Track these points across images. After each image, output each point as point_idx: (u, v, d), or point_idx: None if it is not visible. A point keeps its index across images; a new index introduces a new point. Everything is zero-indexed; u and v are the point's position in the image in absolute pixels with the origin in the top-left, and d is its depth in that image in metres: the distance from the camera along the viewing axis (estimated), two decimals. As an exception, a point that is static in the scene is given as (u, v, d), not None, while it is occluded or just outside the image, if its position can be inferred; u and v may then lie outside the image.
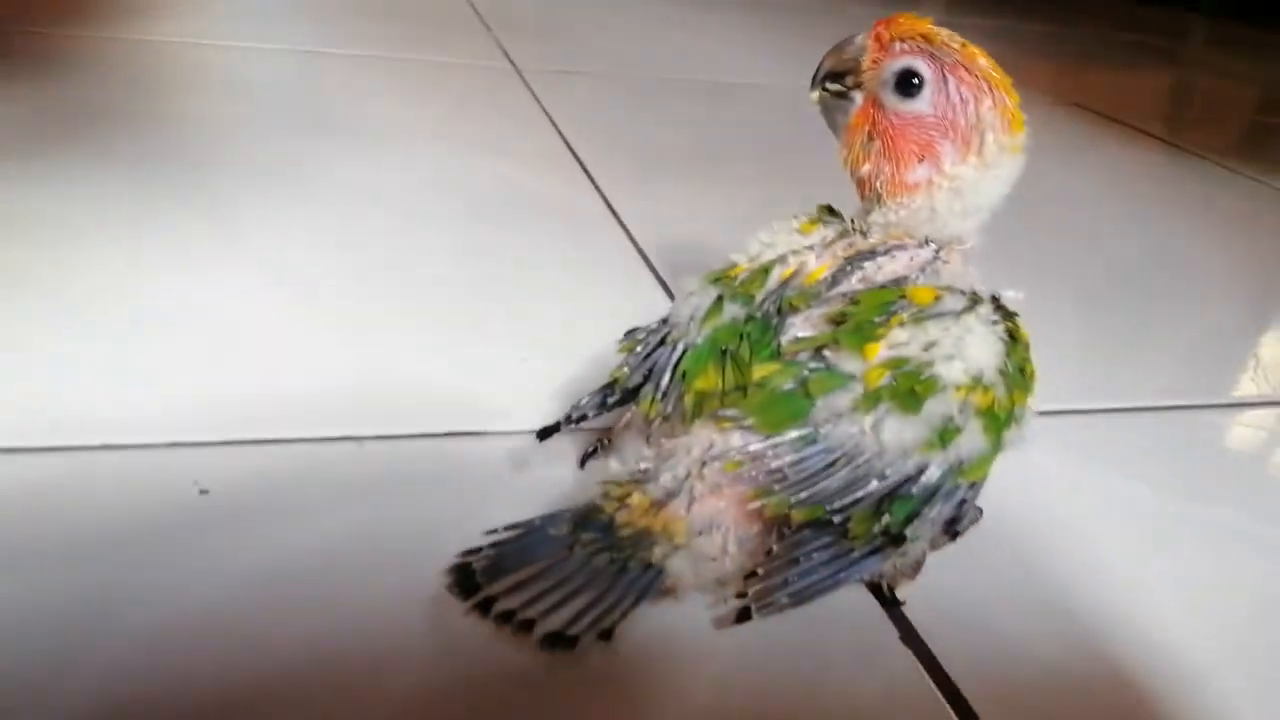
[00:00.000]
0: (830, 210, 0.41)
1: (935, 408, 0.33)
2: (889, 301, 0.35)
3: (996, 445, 0.35)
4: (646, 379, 0.37)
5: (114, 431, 0.42)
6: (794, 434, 0.33)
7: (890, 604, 0.39)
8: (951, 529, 0.37)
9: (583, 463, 0.41)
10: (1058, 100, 1.37)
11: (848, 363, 0.34)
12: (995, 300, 0.37)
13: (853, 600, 0.39)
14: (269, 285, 0.56)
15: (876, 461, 0.33)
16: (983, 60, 0.37)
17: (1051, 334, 0.65)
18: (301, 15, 1.16)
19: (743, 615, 0.34)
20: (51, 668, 0.31)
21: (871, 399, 0.33)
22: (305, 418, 0.45)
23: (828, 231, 0.39)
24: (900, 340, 0.34)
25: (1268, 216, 1.01)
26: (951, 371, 0.34)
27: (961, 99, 0.37)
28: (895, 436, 0.33)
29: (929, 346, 0.34)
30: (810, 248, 0.38)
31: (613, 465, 0.36)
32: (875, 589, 0.39)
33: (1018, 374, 0.35)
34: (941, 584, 0.40)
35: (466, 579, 0.31)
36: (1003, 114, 0.37)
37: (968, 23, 1.98)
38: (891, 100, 0.37)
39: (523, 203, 0.73)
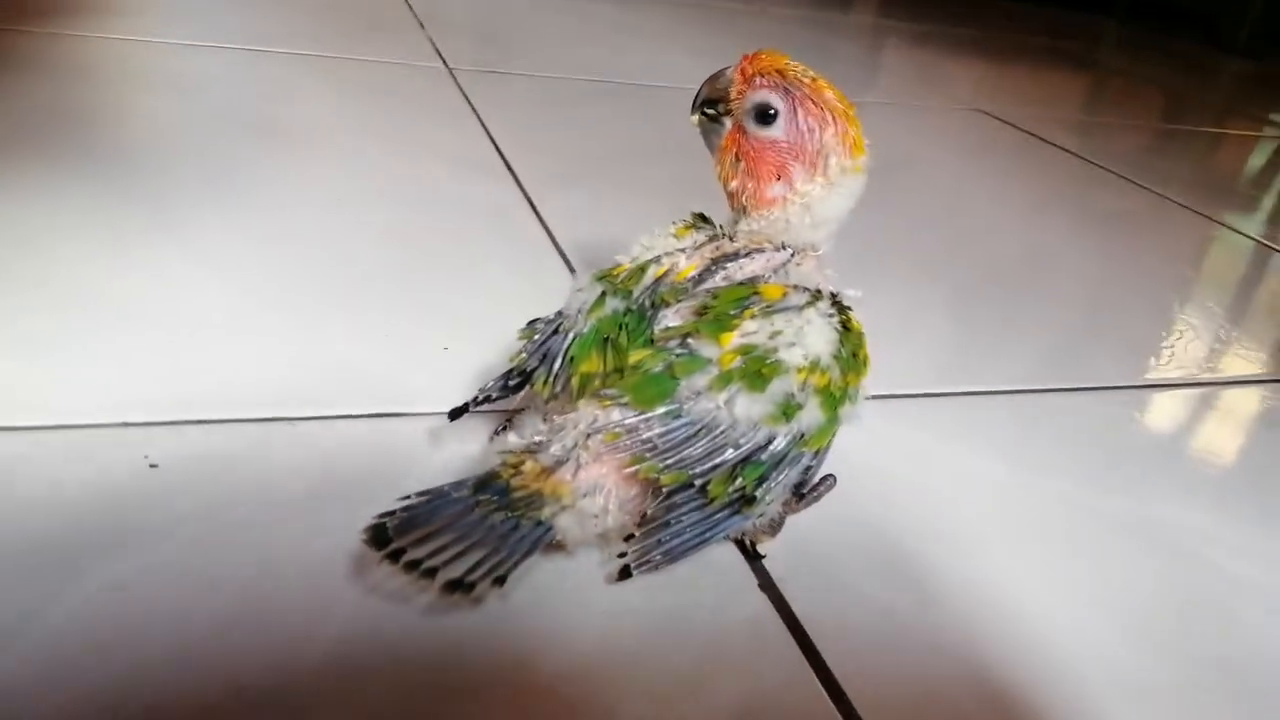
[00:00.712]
0: (703, 217, 0.47)
1: (779, 387, 0.40)
2: (743, 297, 0.42)
3: (833, 419, 0.42)
4: (541, 363, 0.43)
5: (64, 412, 0.47)
6: (662, 410, 0.40)
7: (752, 557, 0.45)
8: (799, 491, 0.44)
9: (492, 439, 0.47)
10: (964, 105, 1.45)
11: (706, 349, 0.40)
12: (834, 297, 0.43)
13: (720, 554, 0.45)
14: (209, 277, 0.61)
15: (731, 432, 0.40)
16: (829, 93, 0.44)
17: (923, 324, 0.73)
18: (242, 11, 1.19)
19: (624, 573, 0.40)
20: (18, 620, 0.36)
21: (725, 379, 0.40)
22: (245, 400, 0.50)
23: (699, 236, 0.46)
24: (751, 330, 0.41)
25: (1152, 222, 1.09)
26: (793, 356, 0.40)
27: (809, 128, 0.43)
28: (745, 411, 0.40)
29: (774, 335, 0.41)
30: (682, 250, 0.45)
31: (511, 438, 0.42)
32: (741, 545, 0.46)
33: (851, 358, 0.42)
34: (798, 542, 0.47)
35: (381, 535, 0.37)
36: (844, 140, 0.44)
37: (898, 26, 2.06)
38: (752, 127, 0.44)
39: (449, 200, 0.78)
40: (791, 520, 0.47)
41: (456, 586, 0.37)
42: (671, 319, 0.42)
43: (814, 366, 0.41)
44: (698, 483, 0.40)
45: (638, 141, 1.02)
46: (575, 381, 0.42)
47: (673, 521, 0.41)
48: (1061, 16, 2.58)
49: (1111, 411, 0.67)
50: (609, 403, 0.40)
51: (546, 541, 0.39)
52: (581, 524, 0.40)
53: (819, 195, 0.44)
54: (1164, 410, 0.69)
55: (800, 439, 0.41)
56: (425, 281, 0.65)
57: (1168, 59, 2.33)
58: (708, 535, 0.42)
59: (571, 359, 0.43)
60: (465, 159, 0.87)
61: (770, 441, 0.40)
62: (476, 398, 0.45)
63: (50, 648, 0.35)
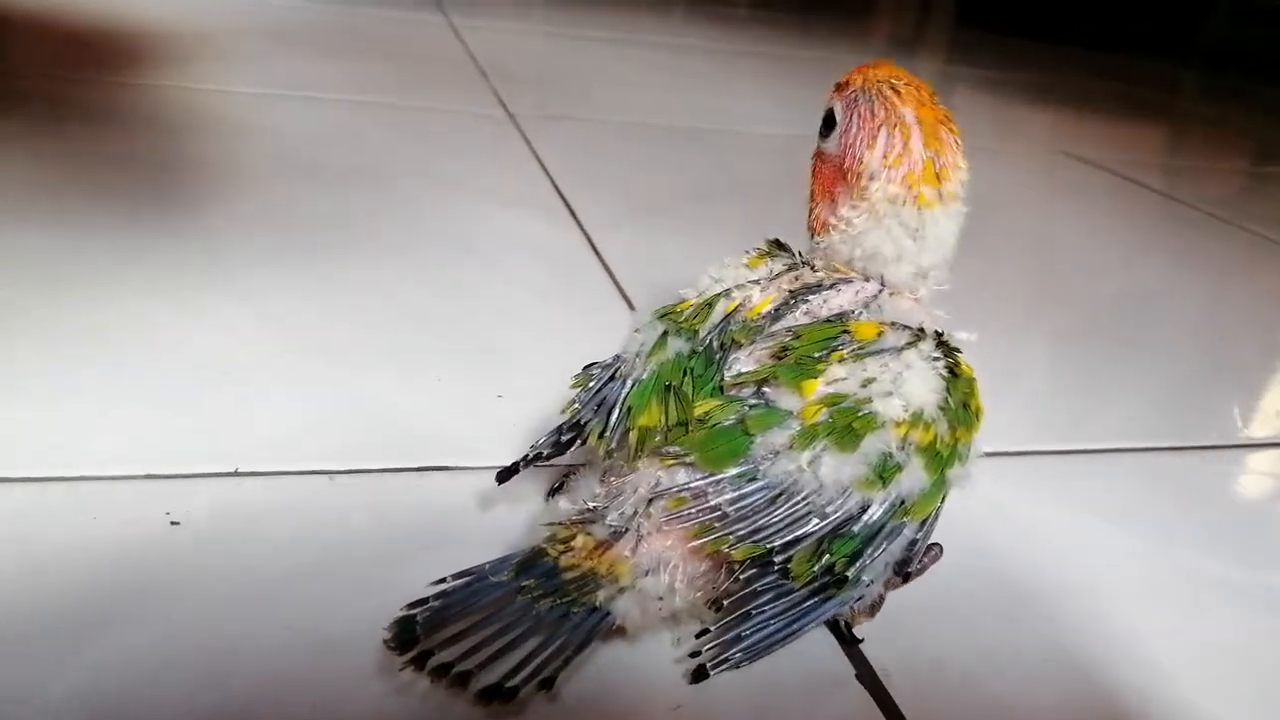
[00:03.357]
0: (779, 244, 0.42)
1: (873, 444, 0.34)
2: (830, 337, 0.36)
3: (940, 483, 0.35)
4: (595, 414, 0.38)
5: (89, 463, 0.43)
6: (734, 471, 0.34)
7: (847, 641, 0.39)
8: (903, 569, 0.37)
9: (547, 499, 0.42)
10: (1045, 148, 1.38)
11: (785, 399, 0.34)
12: (939, 337, 0.37)
13: (809, 637, 0.39)
14: (255, 322, 0.57)
15: (816, 499, 0.34)
16: (911, 109, 0.38)
17: (1024, 376, 0.66)
18: (307, 61, 1.18)
19: (699, 673, 0.35)
20: (19, 693, 0.32)
21: (808, 435, 0.34)
22: (278, 451, 0.45)
23: (775, 265, 0.40)
24: (839, 376, 0.35)
25: (1252, 264, 1.02)
26: (890, 408, 0.34)
27: (856, 142, 0.38)
28: (833, 473, 0.34)
29: (867, 383, 0.34)
30: (756, 282, 0.39)
31: (562, 504, 0.36)
32: (833, 626, 0.40)
33: (961, 410, 0.36)
34: (902, 622, 0.40)
35: (408, 631, 0.32)
36: (899, 163, 0.37)
37: (967, 72, 2.01)
38: (819, 139, 0.39)
39: (508, 243, 0.74)
40: (893, 596, 0.40)
41: (495, 694, 0.31)
42: (745, 363, 0.36)
43: (916, 420, 0.34)
44: (777, 559, 0.34)
45: (699, 183, 0.98)
46: (633, 437, 0.36)
47: (754, 612, 0.35)
48: (1134, 64, 2.50)
49: (1228, 472, 0.59)
50: (672, 462, 0.35)
51: (604, 630, 0.34)
52: (644, 607, 0.34)
53: (860, 226, 0.38)
54: (1297, 471, 0.61)
55: (901, 507, 0.35)
56: (480, 327, 0.61)
57: (1247, 105, 2.24)
58: (796, 628, 0.36)
59: (629, 410, 0.37)
60: (525, 202, 0.83)
61: (864, 510, 0.34)
62: (527, 456, 0.39)
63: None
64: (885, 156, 0.38)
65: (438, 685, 0.31)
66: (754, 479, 0.34)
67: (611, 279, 0.70)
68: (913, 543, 0.36)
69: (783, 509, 0.34)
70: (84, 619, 0.35)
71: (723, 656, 0.35)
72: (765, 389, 0.35)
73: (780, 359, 0.36)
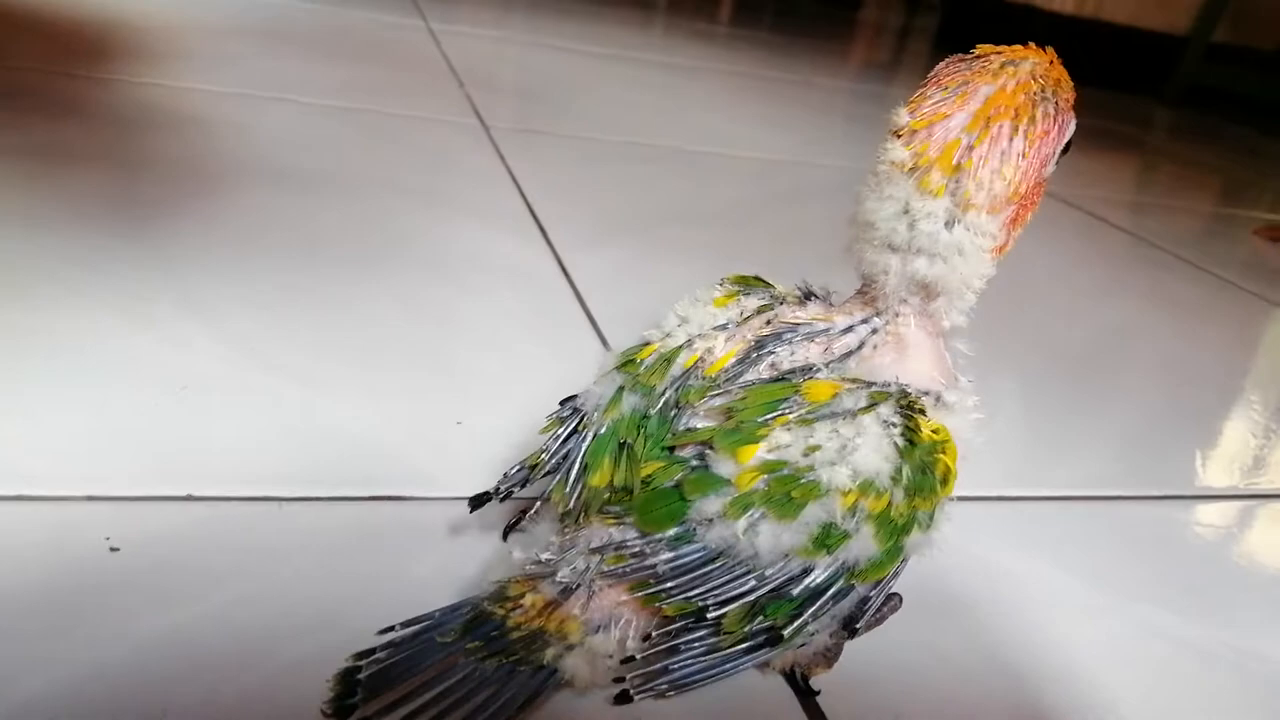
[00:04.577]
0: (754, 279, 0.40)
1: (815, 513, 0.33)
2: (778, 399, 0.34)
3: (895, 550, 0.34)
4: (559, 467, 0.36)
5: (28, 481, 0.41)
6: (671, 532, 0.33)
7: (804, 693, 0.38)
8: (850, 625, 0.37)
9: (505, 534, 0.41)
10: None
11: (723, 465, 0.33)
12: (905, 398, 0.35)
13: (766, 686, 0.38)
14: (205, 334, 0.55)
15: (754, 562, 0.33)
16: (986, 84, 0.34)
17: (988, 418, 0.66)
18: (279, 60, 1.16)
19: (622, 697, 0.34)
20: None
21: (741, 503, 0.32)
22: (226, 475, 0.44)
23: (748, 303, 0.38)
24: (781, 443, 0.33)
25: (1217, 307, 1.02)
26: (836, 476, 0.33)
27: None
28: (770, 541, 0.33)
29: (811, 450, 0.33)
30: (724, 327, 0.37)
31: (515, 554, 0.35)
32: (789, 677, 0.39)
33: (920, 476, 0.34)
34: (860, 674, 0.40)
35: (349, 689, 0.30)
36: (919, 125, 0.34)
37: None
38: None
39: (474, 259, 0.73)
40: (851, 645, 0.40)
41: None
42: (696, 421, 0.35)
43: (866, 488, 0.33)
44: (710, 615, 0.33)
45: (676, 205, 0.97)
46: (585, 494, 0.35)
47: (683, 648, 0.34)
48: (1110, 99, 2.54)
49: (1193, 520, 0.59)
50: (613, 522, 0.34)
51: (550, 687, 0.33)
52: (593, 664, 0.33)
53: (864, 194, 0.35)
54: (1256, 522, 0.61)
55: (849, 572, 0.34)
56: (440, 347, 0.60)
57: (1220, 144, 2.27)
58: (728, 668, 0.35)
59: (585, 466, 0.36)
60: (496, 219, 0.82)
61: (806, 574, 0.33)
62: (498, 488, 0.38)
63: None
64: (915, 111, 0.34)
65: None
66: (690, 541, 0.33)
67: (580, 303, 0.69)
68: (864, 600, 0.36)
69: (718, 571, 0.33)
70: (12, 647, 0.33)
71: (648, 685, 0.34)
72: (707, 452, 0.34)
73: (727, 419, 0.34)
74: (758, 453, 0.33)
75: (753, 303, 0.39)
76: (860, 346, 0.37)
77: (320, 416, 0.50)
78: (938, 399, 0.37)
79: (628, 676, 0.34)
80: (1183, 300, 1.02)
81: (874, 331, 0.37)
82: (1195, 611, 0.50)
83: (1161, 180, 1.78)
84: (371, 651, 0.31)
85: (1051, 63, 0.36)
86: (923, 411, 0.36)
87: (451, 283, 0.68)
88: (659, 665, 0.34)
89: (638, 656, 0.34)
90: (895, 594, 0.42)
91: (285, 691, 0.33)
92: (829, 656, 0.39)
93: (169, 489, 0.42)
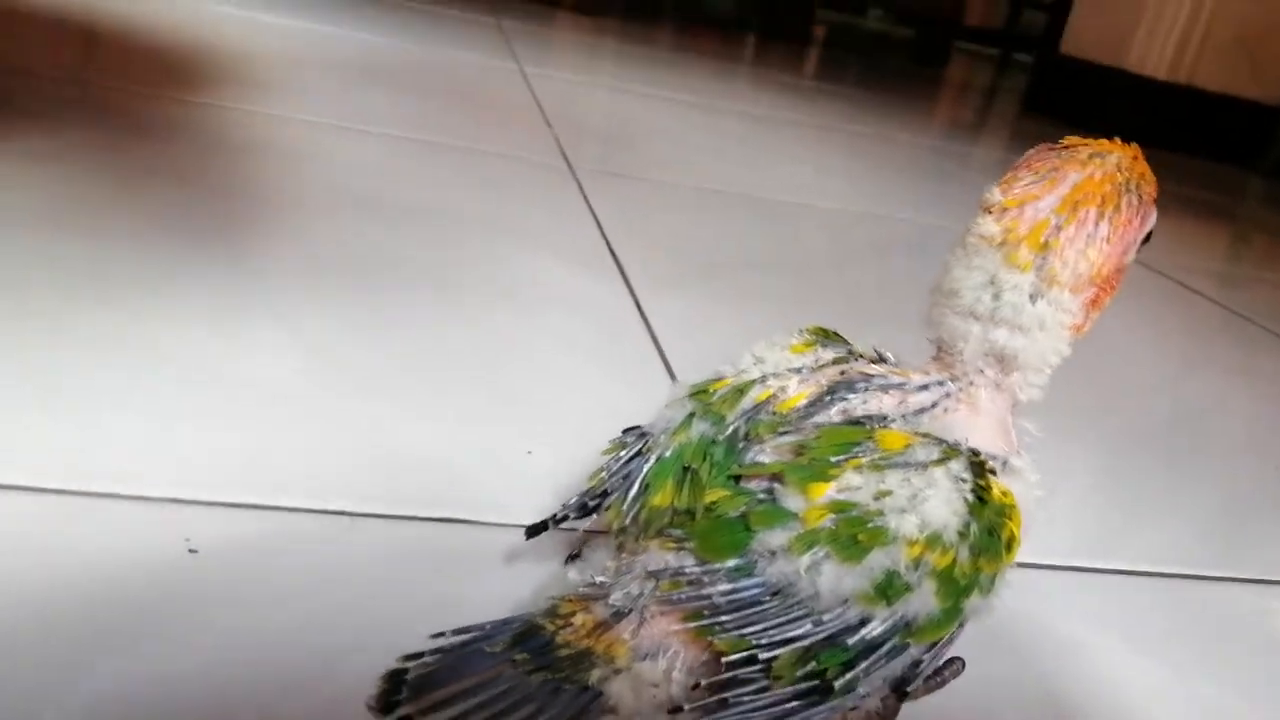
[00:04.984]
0: (830, 334, 0.41)
1: (879, 560, 0.32)
2: (852, 442, 0.34)
3: (955, 611, 0.34)
4: (620, 487, 0.37)
5: (117, 480, 0.43)
6: (731, 564, 0.33)
7: (856, 752, 0.38)
8: (900, 689, 0.36)
9: (567, 562, 0.41)
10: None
11: (792, 499, 0.33)
12: (975, 457, 0.35)
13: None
14: (287, 349, 0.57)
15: (812, 604, 0.32)
16: (1075, 171, 0.36)
17: (1066, 486, 0.64)
18: (373, 95, 1.21)
19: None
20: (23, 709, 0.31)
21: (807, 540, 0.32)
22: (303, 487, 0.45)
23: (824, 354, 0.39)
24: (852, 484, 0.33)
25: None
26: (905, 525, 0.33)
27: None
28: (832, 582, 0.32)
29: (882, 495, 0.33)
30: (797, 370, 0.38)
31: (571, 575, 0.36)
32: (846, 732, 0.38)
33: (986, 537, 0.34)
34: (915, 732, 0.39)
35: (395, 689, 0.31)
36: (1011, 204, 0.36)
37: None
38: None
39: (553, 296, 0.74)
40: (909, 707, 0.39)
41: None
42: (764, 456, 0.35)
43: (933, 542, 0.33)
44: (762, 657, 0.32)
45: (754, 253, 0.98)
46: (644, 515, 0.35)
47: (731, 700, 0.33)
48: (1201, 168, 2.48)
49: (1269, 609, 0.57)
50: (674, 546, 0.34)
51: (594, 711, 0.33)
52: (638, 692, 0.33)
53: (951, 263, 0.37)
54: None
55: (905, 628, 0.33)
56: (517, 379, 0.61)
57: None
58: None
59: (646, 487, 0.36)
60: (576, 256, 0.84)
61: (864, 624, 0.33)
62: (555, 516, 0.39)
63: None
64: (1007, 191, 0.36)
65: None
66: (750, 574, 0.33)
67: (654, 342, 0.69)
68: (917, 663, 0.35)
69: (775, 609, 0.33)
70: (93, 637, 0.34)
71: None
72: (775, 486, 0.34)
73: (798, 456, 0.35)
74: (828, 491, 0.33)
75: (829, 354, 0.39)
76: (934, 405, 0.37)
77: (395, 435, 0.51)
78: (1005, 464, 0.36)
79: None
80: (1271, 375, 0.99)
81: (948, 395, 0.37)
82: (1270, 699, 0.48)
83: (1253, 252, 1.73)
84: (420, 655, 0.32)
85: (1136, 158, 0.38)
86: (993, 473, 0.36)
87: (529, 316, 0.70)
88: (708, 717, 0.34)
89: (686, 708, 0.34)
90: (958, 658, 0.42)
91: (342, 706, 0.34)
92: (882, 718, 0.38)
93: (248, 497, 0.44)
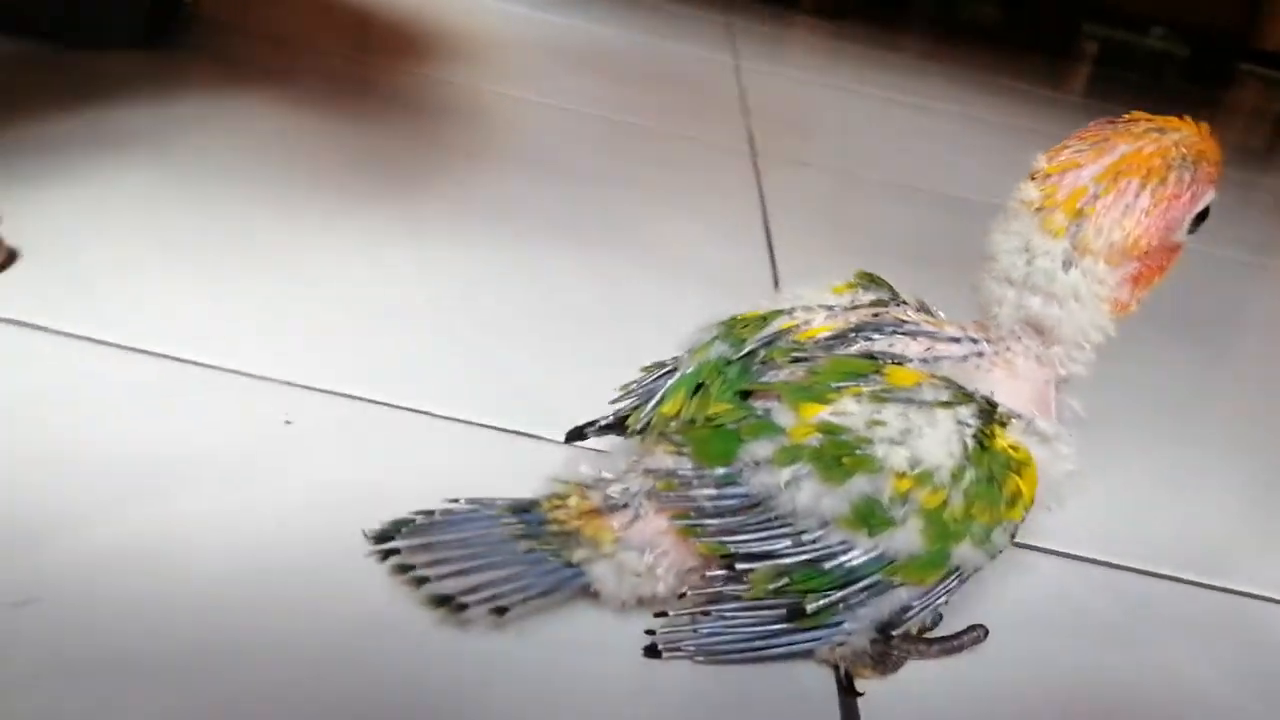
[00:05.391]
0: (873, 278, 0.41)
1: (861, 486, 0.33)
2: (858, 373, 0.35)
3: (941, 555, 0.34)
4: (641, 399, 0.40)
5: (242, 359, 0.50)
6: (720, 471, 0.34)
7: (847, 691, 0.38)
8: (887, 631, 0.36)
9: (568, 438, 0.43)
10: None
11: (783, 415, 0.34)
12: (990, 406, 0.35)
13: (812, 675, 0.38)
14: (431, 285, 0.63)
15: (792, 521, 0.34)
16: (1124, 143, 0.35)
17: (1208, 497, 0.59)
18: (580, 77, 1.28)
19: (650, 651, 0.36)
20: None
21: (790, 454, 0.33)
22: (399, 388, 0.50)
23: (863, 296, 0.40)
24: (848, 410, 0.34)
25: None
26: (894, 457, 0.33)
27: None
28: (811, 500, 0.33)
29: (874, 424, 0.33)
30: (830, 307, 0.39)
31: (583, 468, 0.38)
32: (839, 674, 0.38)
33: (984, 485, 0.34)
34: (913, 691, 0.38)
35: (397, 530, 0.35)
36: (1053, 170, 0.35)
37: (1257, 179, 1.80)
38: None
39: (698, 267, 0.76)
40: (916, 664, 0.39)
41: (445, 603, 0.34)
42: (775, 377, 0.36)
43: (923, 479, 0.33)
44: (738, 566, 0.34)
45: (918, 247, 0.96)
46: (655, 421, 0.38)
47: (714, 612, 0.35)
48: None
49: None
50: (674, 450, 0.36)
51: (573, 586, 0.35)
52: (620, 578, 0.36)
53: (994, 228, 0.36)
54: None
55: (886, 563, 0.34)
56: (637, 335, 0.64)
57: None
58: (757, 645, 0.35)
59: (663, 398, 0.39)
60: (729, 232, 0.86)
61: (845, 551, 0.34)
62: (593, 423, 0.42)
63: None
64: (1052, 158, 0.36)
65: (398, 579, 0.34)
66: (735, 483, 0.34)
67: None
68: (906, 608, 0.35)
69: (755, 520, 0.34)
70: (194, 497, 0.41)
71: (674, 644, 0.35)
72: (773, 403, 0.35)
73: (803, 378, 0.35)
74: (821, 413, 0.34)
75: (868, 296, 0.40)
76: (964, 359, 0.37)
77: (502, 362, 0.56)
78: (1030, 425, 0.36)
79: (657, 630, 0.36)
80: None
81: (980, 354, 0.37)
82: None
83: None
84: (431, 511, 0.36)
85: (1203, 136, 0.36)
86: (1005, 425, 0.35)
87: (666, 280, 0.72)
88: (688, 624, 0.35)
89: (670, 612, 0.36)
90: (980, 625, 0.41)
91: (356, 572, 0.38)
92: (877, 662, 0.38)
93: (345, 387, 0.49)
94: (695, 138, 1.13)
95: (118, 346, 0.48)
